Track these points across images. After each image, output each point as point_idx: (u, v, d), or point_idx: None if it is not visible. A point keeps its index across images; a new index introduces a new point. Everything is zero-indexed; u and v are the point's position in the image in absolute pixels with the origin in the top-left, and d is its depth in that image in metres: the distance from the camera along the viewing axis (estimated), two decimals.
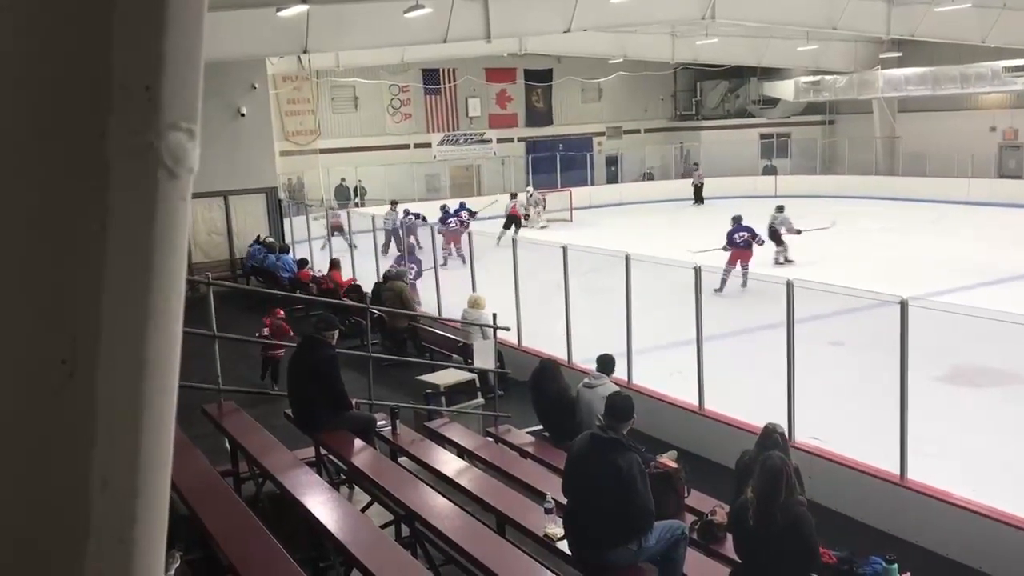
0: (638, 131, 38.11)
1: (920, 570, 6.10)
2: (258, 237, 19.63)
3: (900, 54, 30.83)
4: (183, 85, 0.58)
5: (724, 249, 17.59)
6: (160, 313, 0.59)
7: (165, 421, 0.61)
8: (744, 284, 16.52)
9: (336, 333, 7.72)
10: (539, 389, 8.70)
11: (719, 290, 15.78)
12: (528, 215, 27.47)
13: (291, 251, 19.75)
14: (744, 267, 17.02)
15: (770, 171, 35.92)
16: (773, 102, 37.30)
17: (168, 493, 0.62)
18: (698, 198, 32.32)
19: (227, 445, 7.66)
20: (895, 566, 5.67)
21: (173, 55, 0.57)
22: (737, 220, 17.80)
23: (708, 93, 38.89)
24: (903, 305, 7.70)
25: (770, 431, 6.31)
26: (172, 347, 0.60)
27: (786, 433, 6.87)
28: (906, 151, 33.32)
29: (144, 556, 0.60)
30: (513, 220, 24.59)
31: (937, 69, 30.13)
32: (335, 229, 22.01)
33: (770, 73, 36.00)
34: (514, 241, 13.26)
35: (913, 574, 5.83)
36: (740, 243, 17.38)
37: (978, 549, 6.95)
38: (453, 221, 22.19)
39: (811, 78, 34.67)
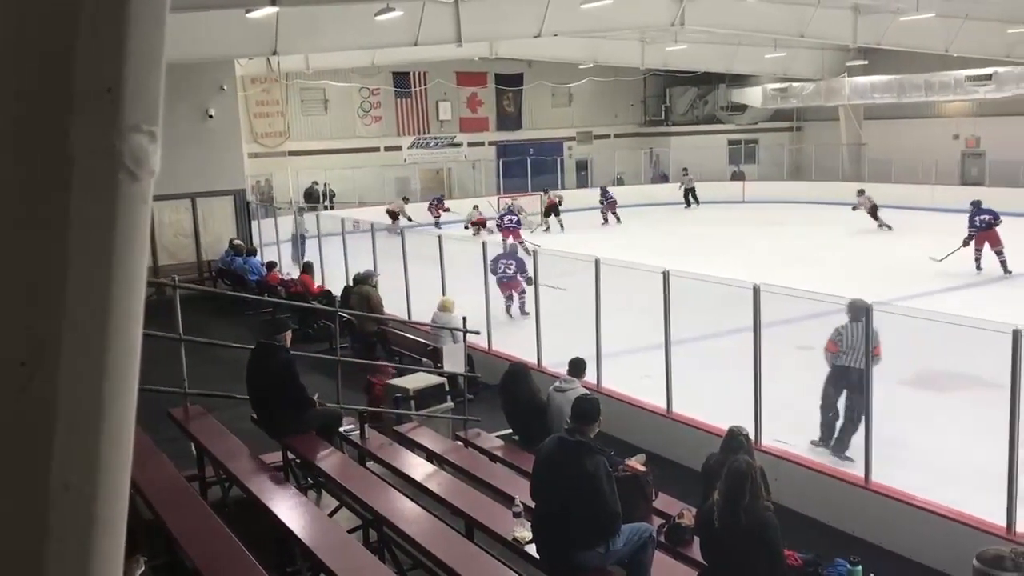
0: (608, 136, 38.29)
1: (884, 572, 6.18)
2: (231, 241, 19.49)
3: (866, 62, 31.24)
4: (145, 87, 0.58)
5: (964, 243, 18.19)
6: (121, 315, 0.59)
7: (125, 423, 0.60)
8: (1006, 271, 17.50)
9: (289, 335, 7.66)
10: (509, 393, 8.70)
11: (979, 270, 17.78)
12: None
13: (259, 254, 19.62)
14: (995, 250, 17.68)
15: (738, 176, 36.24)
16: (741, 108, 37.64)
17: (127, 495, 0.62)
18: (689, 201, 32.28)
19: (193, 449, 7.59)
20: (859, 568, 5.73)
21: (135, 58, 0.57)
22: (977, 204, 18.42)
23: (677, 99, 39.17)
24: (868, 310, 7.80)
25: (735, 433, 6.36)
26: (132, 349, 0.60)
27: (751, 436, 6.93)
28: (872, 158, 33.75)
29: (103, 558, 0.59)
30: (552, 209, 28.04)
31: (902, 77, 30.57)
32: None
33: (739, 80, 36.34)
34: (484, 246, 13.27)
35: None
36: (982, 225, 17.91)
37: (941, 551, 7.05)
38: (511, 219, 23.34)
39: (779, 85, 35.02)
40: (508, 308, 15.33)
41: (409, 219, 27.58)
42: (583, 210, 30.06)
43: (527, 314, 13.84)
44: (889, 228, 24.77)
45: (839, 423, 9.02)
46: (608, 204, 29.56)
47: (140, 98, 0.58)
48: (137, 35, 0.57)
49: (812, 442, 9.07)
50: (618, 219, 29.10)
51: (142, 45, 0.57)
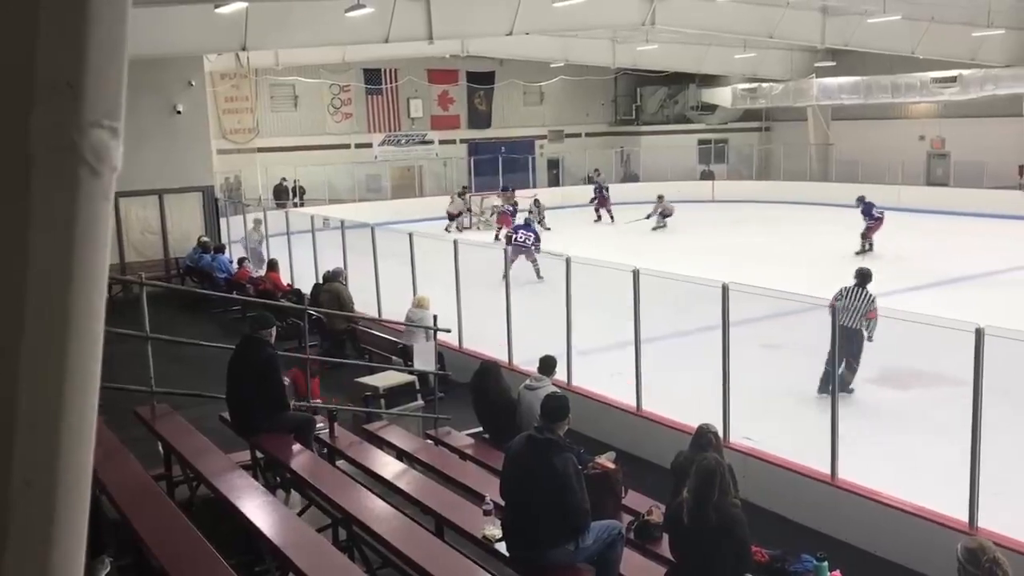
0: (579, 135, 38.38)
1: (850, 567, 6.25)
2: (199, 239, 19.29)
3: (834, 63, 31.57)
4: (107, 82, 0.57)
5: (868, 230, 21.23)
6: (82, 312, 0.58)
7: (86, 420, 0.60)
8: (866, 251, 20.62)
9: (273, 331, 7.63)
10: (480, 391, 8.70)
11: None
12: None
13: (228, 251, 19.45)
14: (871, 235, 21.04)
15: (707, 176, 36.47)
16: (711, 108, 37.89)
17: (89, 493, 0.61)
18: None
19: (160, 448, 7.52)
20: (825, 564, 5.79)
21: (97, 51, 0.56)
22: (863, 198, 21.52)
23: (648, 98, 39.34)
24: (833, 309, 7.89)
25: (703, 431, 6.41)
26: (94, 346, 0.60)
27: (720, 433, 6.98)
28: (839, 158, 34.14)
29: (64, 557, 0.59)
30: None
31: (869, 79, 30.93)
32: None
33: (708, 80, 36.57)
34: (455, 243, 13.25)
35: (843, 571, 5.97)
36: (880, 216, 21.20)
37: (905, 546, 7.15)
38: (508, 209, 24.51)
39: (748, 85, 35.29)
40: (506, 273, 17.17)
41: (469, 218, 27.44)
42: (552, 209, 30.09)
43: (541, 279, 15.72)
44: (663, 226, 26.31)
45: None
46: (601, 200, 29.17)
47: (102, 93, 0.57)
48: (99, 28, 0.56)
49: (819, 392, 10.13)
50: (612, 217, 28.61)
51: (104, 38, 0.57)
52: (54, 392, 0.58)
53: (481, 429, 9.05)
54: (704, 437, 6.34)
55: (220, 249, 18.60)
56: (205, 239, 19.10)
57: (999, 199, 27.90)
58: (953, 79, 28.67)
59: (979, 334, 6.76)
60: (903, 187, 30.55)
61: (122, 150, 0.59)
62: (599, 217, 29.01)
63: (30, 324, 0.58)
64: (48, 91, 0.56)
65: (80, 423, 0.59)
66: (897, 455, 8.91)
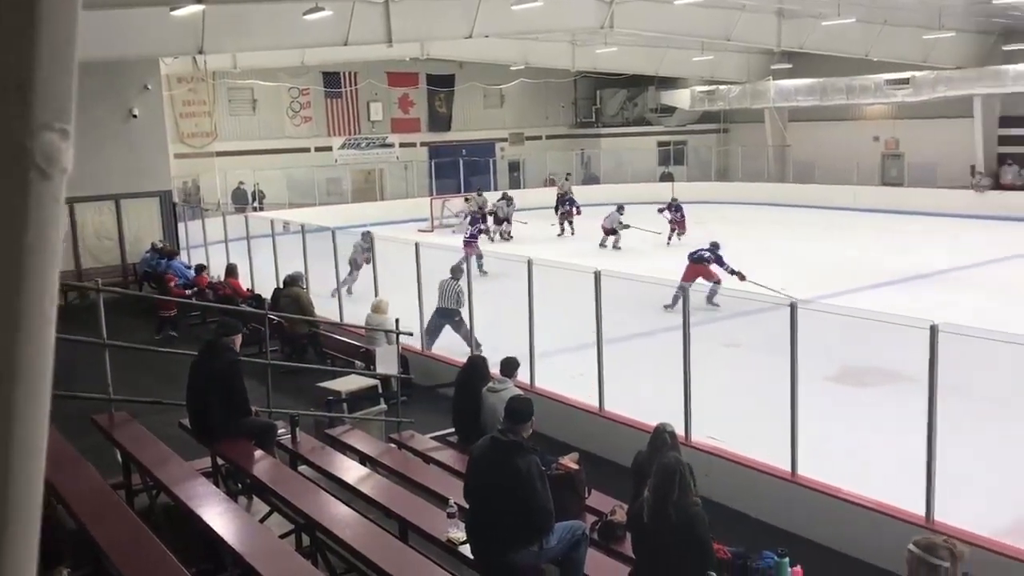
0: (540, 137, 38.48)
1: (811, 563, 6.32)
2: (153, 244, 19.02)
3: (790, 66, 31.96)
4: (57, 83, 0.56)
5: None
6: (32, 318, 0.57)
7: (38, 429, 0.59)
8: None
9: (239, 338, 7.56)
10: (466, 387, 8.49)
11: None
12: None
13: (188, 256, 19.23)
14: (680, 232, 22.88)
15: (667, 178, 36.71)
16: (670, 111, 38.18)
17: (40, 504, 0.60)
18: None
19: (119, 457, 7.40)
20: (786, 560, 5.86)
21: (46, 52, 0.55)
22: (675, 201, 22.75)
23: (607, 101, 39.55)
24: (792, 308, 7.98)
25: (660, 431, 6.43)
26: (44, 353, 0.58)
27: (677, 432, 7.01)
28: (796, 159, 34.56)
29: (15, 569, 0.58)
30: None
31: (824, 80, 31.37)
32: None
33: (667, 82, 36.85)
34: (417, 245, 13.21)
35: (804, 567, 6.04)
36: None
37: (864, 541, 7.25)
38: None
39: (706, 88, 35.61)
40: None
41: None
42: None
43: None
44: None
45: None
46: (568, 212, 27.24)
47: (52, 94, 0.56)
48: (48, 28, 0.55)
49: None
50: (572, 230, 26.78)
51: (54, 38, 0.55)
52: (2, 401, 0.57)
53: (445, 432, 9.01)
54: (661, 437, 6.37)
55: (173, 254, 18.33)
56: (159, 243, 18.87)
57: (951, 198, 28.46)
58: (906, 81, 29.17)
59: (933, 331, 6.88)
60: (859, 187, 31.03)
61: (73, 152, 0.58)
62: (563, 231, 26.81)
63: None
64: None
65: (31, 432, 0.58)
66: (856, 451, 9.04)
